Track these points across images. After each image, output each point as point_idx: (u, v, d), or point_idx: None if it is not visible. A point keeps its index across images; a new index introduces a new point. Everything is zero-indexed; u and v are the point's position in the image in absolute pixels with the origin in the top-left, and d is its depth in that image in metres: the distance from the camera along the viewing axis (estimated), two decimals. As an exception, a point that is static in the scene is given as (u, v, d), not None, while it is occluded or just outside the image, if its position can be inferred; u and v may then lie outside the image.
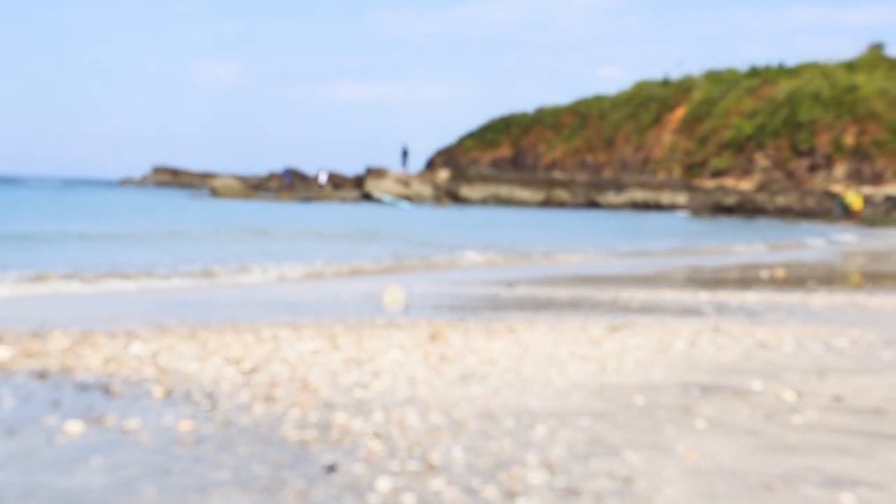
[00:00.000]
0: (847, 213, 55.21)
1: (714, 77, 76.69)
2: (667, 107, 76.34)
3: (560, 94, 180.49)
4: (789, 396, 6.65)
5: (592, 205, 62.48)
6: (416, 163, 79.63)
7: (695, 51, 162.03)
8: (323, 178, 67.10)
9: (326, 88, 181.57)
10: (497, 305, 12.55)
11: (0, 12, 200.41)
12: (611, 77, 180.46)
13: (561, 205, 63.23)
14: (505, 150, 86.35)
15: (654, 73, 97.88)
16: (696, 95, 75.01)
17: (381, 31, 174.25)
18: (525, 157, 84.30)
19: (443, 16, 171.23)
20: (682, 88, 77.41)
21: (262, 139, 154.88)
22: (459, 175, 66.32)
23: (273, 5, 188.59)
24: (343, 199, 54.86)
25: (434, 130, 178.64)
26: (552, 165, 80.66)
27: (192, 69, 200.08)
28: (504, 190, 64.61)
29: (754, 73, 74.10)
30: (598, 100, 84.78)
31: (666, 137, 74.06)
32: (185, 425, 5.48)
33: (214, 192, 61.54)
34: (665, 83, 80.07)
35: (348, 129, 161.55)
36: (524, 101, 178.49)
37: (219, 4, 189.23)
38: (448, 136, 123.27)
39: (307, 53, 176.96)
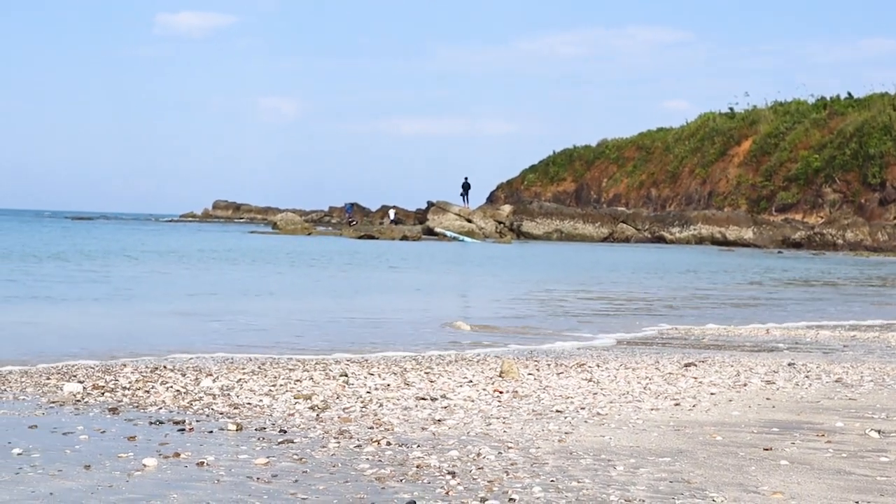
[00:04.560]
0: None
1: (781, 109, 75.88)
2: (732, 140, 75.62)
3: (624, 127, 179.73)
4: (873, 435, 6.47)
5: (657, 240, 61.99)
6: (478, 197, 79.61)
7: (761, 83, 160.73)
8: (392, 215, 67.46)
9: (387, 123, 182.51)
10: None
11: (66, 50, 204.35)
12: (675, 110, 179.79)
13: (625, 240, 62.81)
14: (567, 185, 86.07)
15: (720, 105, 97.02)
16: (763, 128, 74.21)
17: (443, 65, 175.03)
18: (588, 191, 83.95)
19: (505, 49, 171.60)
20: (748, 121, 76.63)
21: (322, 174, 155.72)
22: (522, 209, 66.12)
23: (335, 41, 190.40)
24: (405, 236, 54.93)
25: (495, 164, 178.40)
26: (615, 199, 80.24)
27: (255, 105, 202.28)
28: (567, 224, 64.33)
29: (822, 104, 73.23)
30: (663, 133, 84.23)
31: (732, 171, 73.31)
32: (260, 460, 5.45)
33: (275, 227, 62.06)
34: (731, 116, 79.36)
35: (409, 163, 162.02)
36: (587, 134, 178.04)
37: (282, 40, 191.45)
38: (510, 169, 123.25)
39: (368, 88, 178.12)
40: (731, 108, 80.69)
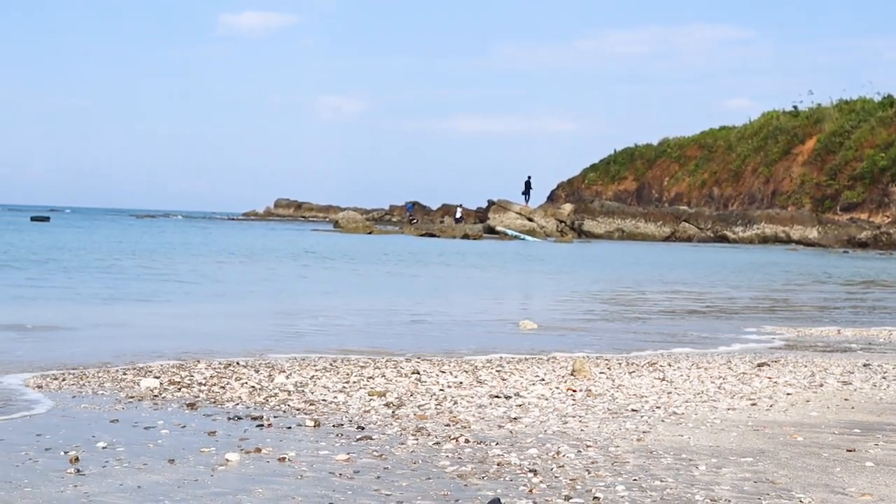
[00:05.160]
0: None
1: (846, 107, 74.80)
2: (796, 138, 74.68)
3: (685, 125, 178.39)
4: (959, 437, 6.35)
5: (720, 239, 61.42)
6: (538, 196, 79.18)
7: (825, 80, 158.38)
8: (459, 214, 67.35)
9: (448, 121, 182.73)
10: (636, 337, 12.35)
11: (131, 50, 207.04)
12: (738, 108, 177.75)
13: (687, 239, 62.29)
14: (629, 183, 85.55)
15: (783, 103, 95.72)
16: (828, 126, 73.20)
17: (504, 63, 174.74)
18: (649, 190, 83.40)
19: (566, 48, 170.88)
20: (813, 119, 75.63)
21: (383, 172, 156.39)
22: (583, 208, 65.85)
23: (395, 39, 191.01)
24: (466, 234, 54.92)
25: (556, 163, 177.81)
26: (677, 199, 79.60)
27: (316, 103, 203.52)
28: (629, 224, 63.97)
29: (889, 102, 72.05)
30: (725, 131, 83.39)
31: (795, 170, 72.41)
32: (341, 457, 5.47)
33: (337, 226, 62.38)
34: (794, 114, 78.38)
35: (469, 162, 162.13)
36: (648, 133, 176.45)
37: (343, 39, 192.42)
38: (570, 168, 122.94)
39: (429, 87, 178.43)
40: (795, 107, 79.68)
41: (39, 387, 7.68)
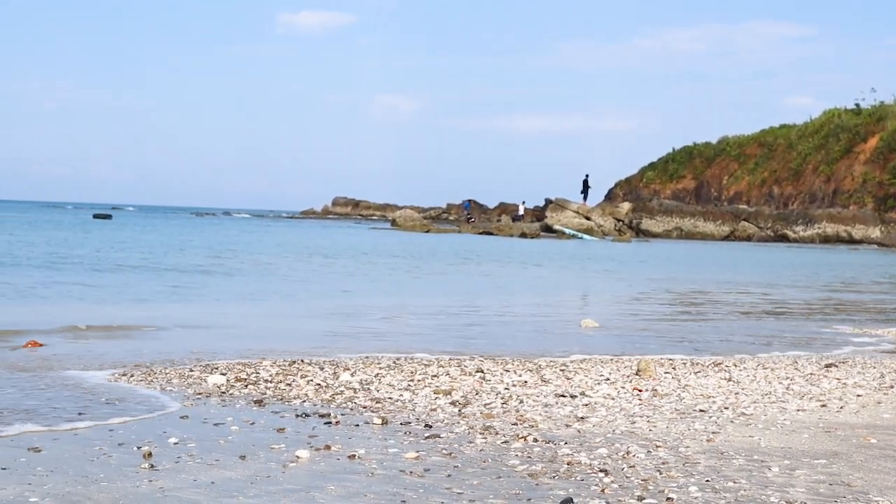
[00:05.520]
0: None
1: (910, 105, 73.80)
2: (858, 136, 73.65)
3: (745, 124, 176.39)
4: None
5: (780, 238, 60.79)
6: (596, 194, 78.73)
7: (888, 78, 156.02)
8: (521, 211, 67.11)
9: (505, 120, 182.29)
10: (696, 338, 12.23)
11: (190, 48, 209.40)
12: (799, 106, 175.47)
13: (747, 238, 61.73)
14: (687, 182, 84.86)
15: (845, 101, 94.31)
16: (890, 124, 72.09)
17: (561, 62, 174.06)
18: (708, 189, 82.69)
19: (624, 46, 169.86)
20: (875, 117, 74.55)
21: (439, 171, 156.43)
22: (641, 207, 65.48)
23: (454, 38, 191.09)
24: (524, 233, 54.81)
25: (614, 161, 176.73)
26: (736, 197, 78.85)
27: (373, 102, 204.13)
28: (687, 222, 63.52)
29: (954, 100, 70.96)
30: (786, 129, 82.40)
31: (857, 168, 71.42)
32: (410, 455, 5.48)
33: (394, 224, 62.55)
34: (857, 112, 77.31)
35: (527, 160, 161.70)
36: (707, 131, 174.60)
37: (400, 38, 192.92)
38: (628, 167, 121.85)
39: (486, 85, 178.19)
40: (858, 104, 78.54)
41: (109, 382, 7.78)
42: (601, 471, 5.18)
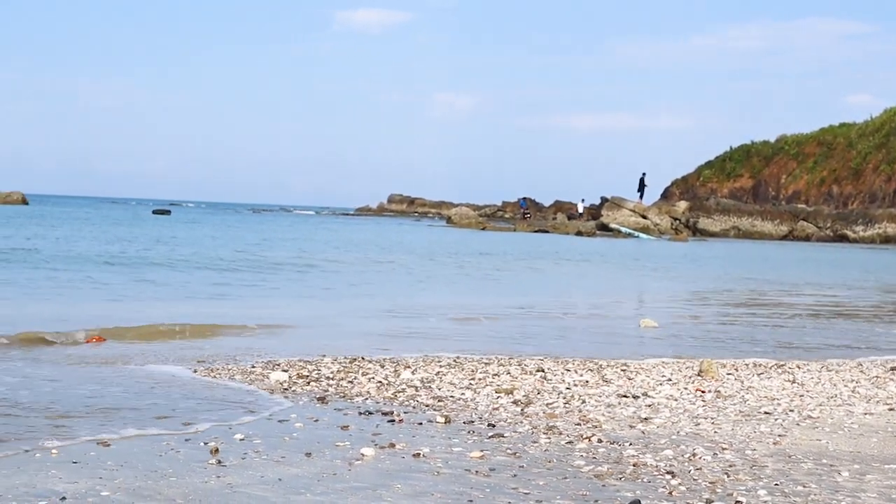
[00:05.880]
0: None
1: (974, 103, 72.60)
2: (920, 135, 72.68)
3: (803, 122, 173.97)
4: None
5: (839, 238, 60.04)
6: (652, 193, 78.17)
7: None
8: (581, 209, 66.68)
9: (561, 118, 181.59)
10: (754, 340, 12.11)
11: (249, 47, 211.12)
12: (858, 104, 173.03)
13: (805, 238, 61.03)
14: (745, 181, 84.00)
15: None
16: (953, 123, 71.09)
17: (618, 60, 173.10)
18: (766, 188, 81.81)
19: (681, 44, 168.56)
20: (938, 115, 73.53)
21: (495, 169, 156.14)
22: (698, 206, 64.96)
23: (511, 37, 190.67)
24: (580, 231, 54.57)
25: (669, 160, 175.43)
26: (794, 196, 77.94)
27: (430, 100, 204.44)
28: (745, 222, 62.93)
29: None
30: (845, 128, 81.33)
31: (919, 167, 70.38)
32: (475, 454, 5.47)
33: (450, 221, 62.60)
34: (918, 110, 76.25)
35: (582, 159, 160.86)
36: (765, 129, 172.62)
37: (457, 36, 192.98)
38: (685, 166, 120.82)
39: (542, 84, 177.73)
40: (920, 102, 77.23)
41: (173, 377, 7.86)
42: (668, 473, 5.15)
